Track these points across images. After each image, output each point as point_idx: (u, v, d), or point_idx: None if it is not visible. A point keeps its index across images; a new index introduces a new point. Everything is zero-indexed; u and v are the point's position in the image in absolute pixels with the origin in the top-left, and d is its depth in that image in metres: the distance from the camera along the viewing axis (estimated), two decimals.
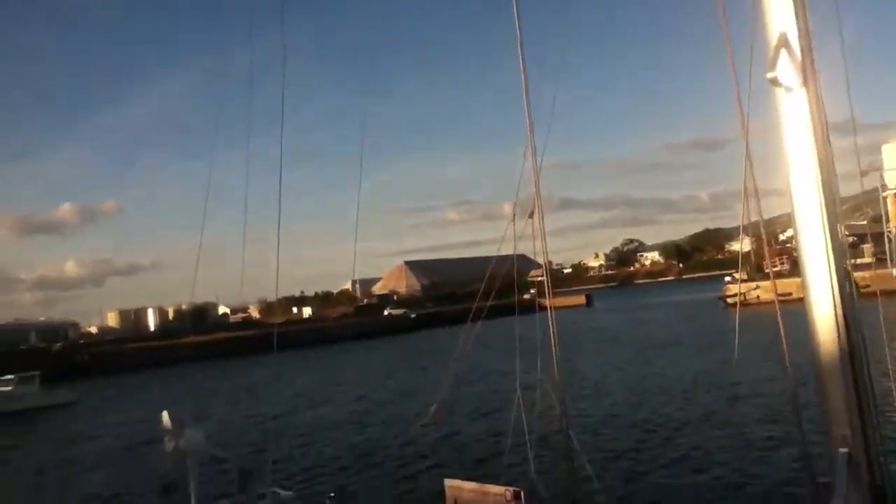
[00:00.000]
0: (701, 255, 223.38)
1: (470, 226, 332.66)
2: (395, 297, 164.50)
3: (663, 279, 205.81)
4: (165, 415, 8.89)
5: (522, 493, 5.19)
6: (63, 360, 78.16)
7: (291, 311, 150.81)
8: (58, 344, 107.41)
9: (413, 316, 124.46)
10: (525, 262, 15.02)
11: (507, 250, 10.21)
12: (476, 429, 28.23)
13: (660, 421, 26.29)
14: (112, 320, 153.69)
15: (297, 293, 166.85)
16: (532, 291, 18.17)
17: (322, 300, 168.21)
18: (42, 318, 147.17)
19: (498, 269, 11.92)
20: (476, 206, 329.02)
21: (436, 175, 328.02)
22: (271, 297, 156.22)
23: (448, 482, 5.86)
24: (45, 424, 45.91)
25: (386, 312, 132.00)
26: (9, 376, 56.20)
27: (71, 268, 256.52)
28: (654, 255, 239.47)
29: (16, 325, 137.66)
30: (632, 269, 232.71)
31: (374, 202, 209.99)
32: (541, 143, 7.29)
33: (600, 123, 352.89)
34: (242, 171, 9.92)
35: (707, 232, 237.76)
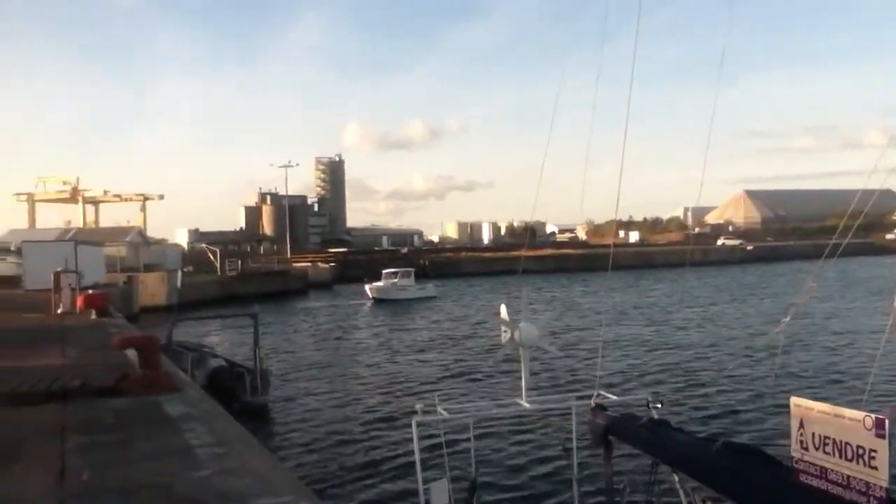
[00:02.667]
0: None
1: (825, 155, 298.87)
2: (731, 228, 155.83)
3: None
4: (504, 308, 9.50)
5: (887, 422, 4.58)
6: (408, 262, 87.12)
7: (618, 234, 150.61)
8: (404, 248, 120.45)
9: (749, 248, 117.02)
10: (890, 198, 13.17)
11: (876, 183, 8.97)
12: (825, 361, 26.96)
13: None
14: (451, 231, 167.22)
15: (625, 217, 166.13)
16: None
17: (650, 226, 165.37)
18: (393, 226, 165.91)
19: (861, 205, 10.60)
20: (834, 133, 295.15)
21: (786, 96, 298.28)
22: (598, 220, 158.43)
23: (795, 400, 5.42)
24: (417, 311, 53.05)
25: (719, 242, 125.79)
26: (393, 270, 66.35)
27: (417, 182, 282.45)
28: None
29: (373, 230, 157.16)
30: None
31: (715, 124, 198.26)
32: None
33: None
34: (581, 95, 9.85)
35: None
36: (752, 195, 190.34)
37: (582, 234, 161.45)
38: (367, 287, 62.74)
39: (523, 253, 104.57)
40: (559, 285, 71.14)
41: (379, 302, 59.83)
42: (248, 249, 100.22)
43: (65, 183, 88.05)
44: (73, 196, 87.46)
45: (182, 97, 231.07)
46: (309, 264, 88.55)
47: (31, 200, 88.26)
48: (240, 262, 74.33)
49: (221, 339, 37.44)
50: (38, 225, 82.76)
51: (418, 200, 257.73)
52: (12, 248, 52.82)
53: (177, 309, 32.64)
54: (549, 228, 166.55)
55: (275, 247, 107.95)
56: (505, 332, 9.26)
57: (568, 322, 40.79)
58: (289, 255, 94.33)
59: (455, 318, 46.98)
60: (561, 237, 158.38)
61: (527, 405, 8.99)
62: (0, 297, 33.12)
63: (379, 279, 64.60)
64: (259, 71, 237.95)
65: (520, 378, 9.23)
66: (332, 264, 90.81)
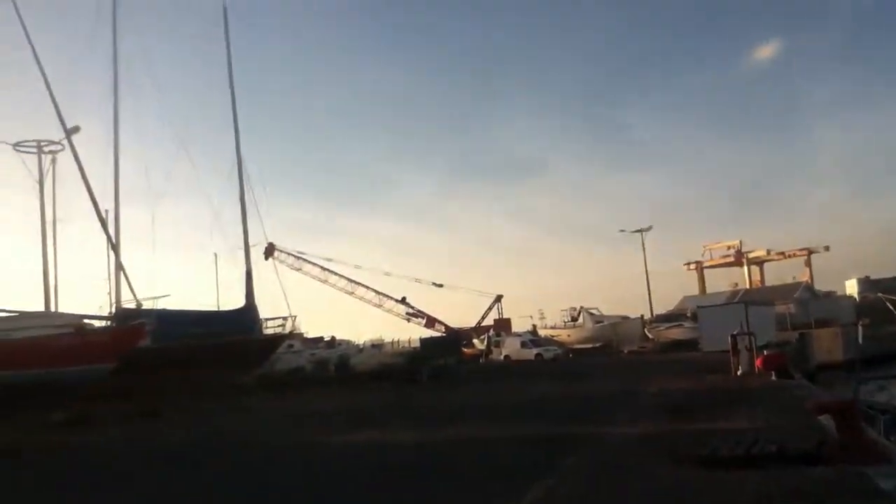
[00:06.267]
0: None
1: None
2: None
3: None
4: None
5: None
6: None
7: None
8: None
9: None
10: None
11: None
12: None
13: None
14: None
15: None
16: None
17: None
18: None
19: None
20: None
21: None
22: None
23: None
24: None
25: None
26: None
27: None
28: None
29: None
30: None
31: None
32: None
33: None
34: None
35: None
36: None
37: None
38: None
39: None
40: None
41: None
42: None
43: (729, 248, 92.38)
44: (738, 259, 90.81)
45: (829, 142, 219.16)
46: None
47: (700, 268, 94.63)
48: None
49: None
50: (707, 290, 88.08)
51: None
52: (688, 314, 57.51)
53: (859, 366, 30.08)
54: None
55: None
56: None
57: None
58: None
59: None
60: None
61: None
62: (681, 359, 36.05)
63: None
64: None
65: None
66: None
